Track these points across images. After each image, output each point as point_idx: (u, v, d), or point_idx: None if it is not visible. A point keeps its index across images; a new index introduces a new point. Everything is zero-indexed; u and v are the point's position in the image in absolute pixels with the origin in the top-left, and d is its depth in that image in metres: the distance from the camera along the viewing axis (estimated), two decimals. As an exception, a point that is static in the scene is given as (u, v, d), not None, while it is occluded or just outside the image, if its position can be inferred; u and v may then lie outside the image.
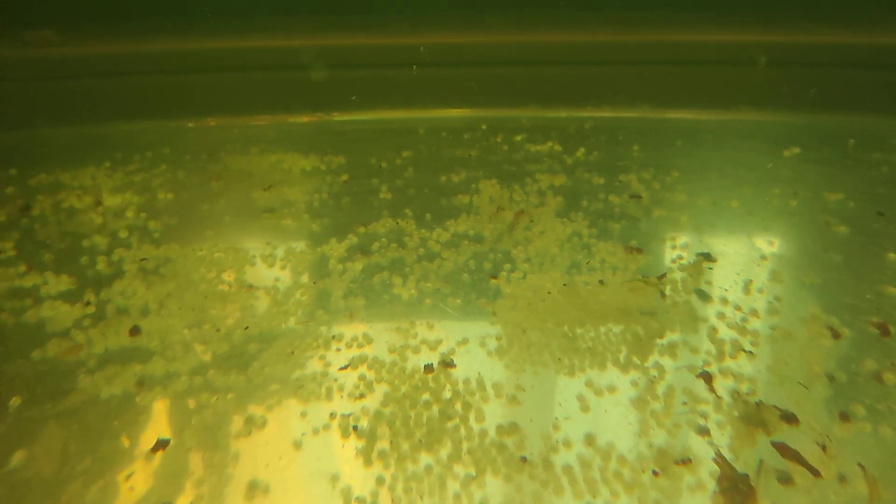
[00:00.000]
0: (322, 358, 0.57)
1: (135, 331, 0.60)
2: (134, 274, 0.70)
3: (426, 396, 0.52)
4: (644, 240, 0.72)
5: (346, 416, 0.51)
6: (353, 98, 1.18)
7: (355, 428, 0.49)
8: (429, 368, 0.54)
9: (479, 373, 0.54)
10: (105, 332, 0.61)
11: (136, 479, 0.48)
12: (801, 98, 1.08)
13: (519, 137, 1.04)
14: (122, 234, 0.78)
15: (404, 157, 1.00)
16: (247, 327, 0.61)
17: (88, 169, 0.95)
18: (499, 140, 1.04)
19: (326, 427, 0.51)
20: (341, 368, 0.55)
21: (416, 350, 0.57)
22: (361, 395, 0.53)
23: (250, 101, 1.20)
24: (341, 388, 0.54)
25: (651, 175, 0.86)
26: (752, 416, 0.49)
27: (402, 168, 0.95)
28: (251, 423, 0.51)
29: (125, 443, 0.50)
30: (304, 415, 0.52)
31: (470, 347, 0.57)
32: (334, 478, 0.47)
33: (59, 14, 1.16)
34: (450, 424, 0.49)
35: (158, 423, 0.53)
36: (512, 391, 0.52)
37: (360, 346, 0.58)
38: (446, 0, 1.21)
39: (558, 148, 0.98)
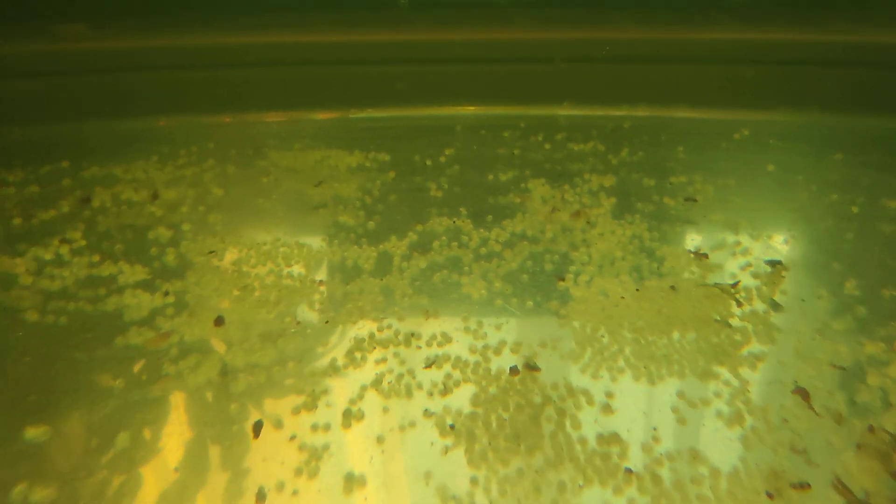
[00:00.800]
0: (397, 354, 0.58)
1: (219, 321, 0.61)
2: (205, 266, 0.72)
3: (517, 399, 0.53)
4: (707, 244, 0.73)
5: (432, 414, 0.52)
6: (399, 87, 1.18)
7: (452, 427, 0.50)
8: (514, 371, 0.55)
9: (565, 377, 0.55)
10: (189, 322, 0.62)
11: (232, 465, 0.49)
12: (842, 99, 1.09)
13: (559, 136, 1.05)
14: (185, 227, 0.80)
15: (447, 154, 1.01)
16: (327, 321, 0.62)
17: (138, 162, 0.96)
18: (540, 139, 1.05)
19: (413, 424, 0.52)
20: (426, 367, 0.56)
21: (497, 351, 0.58)
22: (445, 393, 0.54)
23: (289, 97, 1.20)
24: (420, 386, 0.55)
25: (702, 177, 0.87)
26: (869, 443, 0.48)
27: (446, 166, 0.96)
28: (335, 417, 0.53)
29: (217, 429, 0.52)
30: (386, 410, 0.53)
31: (547, 351, 0.58)
32: (427, 475, 0.48)
33: (90, 8, 1.16)
34: (546, 429, 0.51)
35: (245, 411, 0.54)
36: (602, 398, 0.53)
37: (440, 344, 0.59)
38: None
39: (601, 147, 0.99)
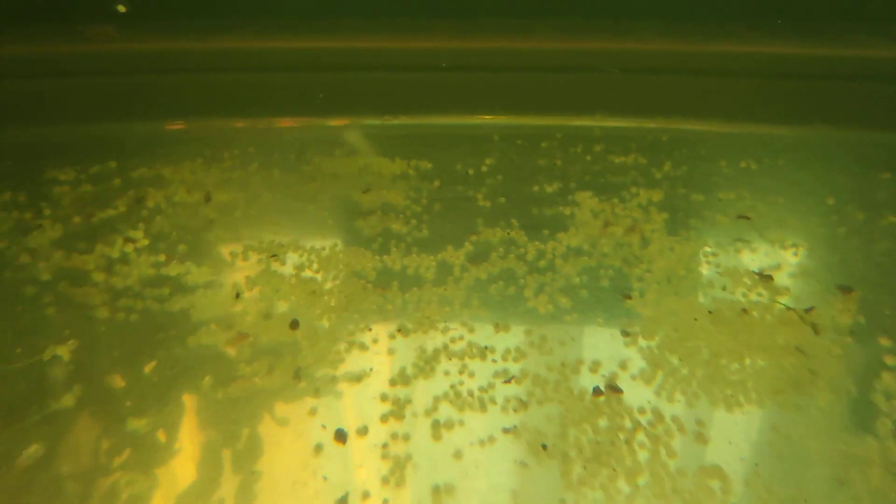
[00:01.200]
0: (468, 367, 0.59)
1: (294, 325, 0.63)
2: (268, 269, 0.73)
3: (604, 422, 0.53)
4: (769, 265, 0.73)
5: (512, 430, 0.53)
6: (434, 96, 1.18)
7: (544, 447, 0.51)
8: (598, 392, 0.55)
9: (650, 401, 0.55)
10: (264, 325, 0.64)
11: (313, 471, 0.49)
12: (887, 116, 1.09)
13: (598, 148, 1.06)
14: (242, 230, 0.81)
15: (488, 164, 1.01)
16: (399, 329, 0.63)
17: (184, 164, 0.97)
18: (579, 150, 1.05)
19: (493, 439, 0.53)
20: (506, 381, 0.56)
21: (576, 370, 0.58)
22: (524, 409, 0.54)
23: (327, 103, 1.20)
24: (494, 400, 0.56)
25: (749, 194, 0.88)
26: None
27: (488, 175, 0.97)
28: (414, 427, 0.53)
29: (294, 434, 0.52)
30: (462, 423, 0.54)
31: (623, 371, 0.58)
32: (515, 494, 0.49)
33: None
34: (642, 457, 0.51)
35: (318, 417, 0.54)
36: (693, 426, 0.53)
37: (515, 359, 0.59)
38: (518, 7, 1.22)
39: (643, 160, 1.00)
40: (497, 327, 0.63)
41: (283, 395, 0.57)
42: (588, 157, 1.03)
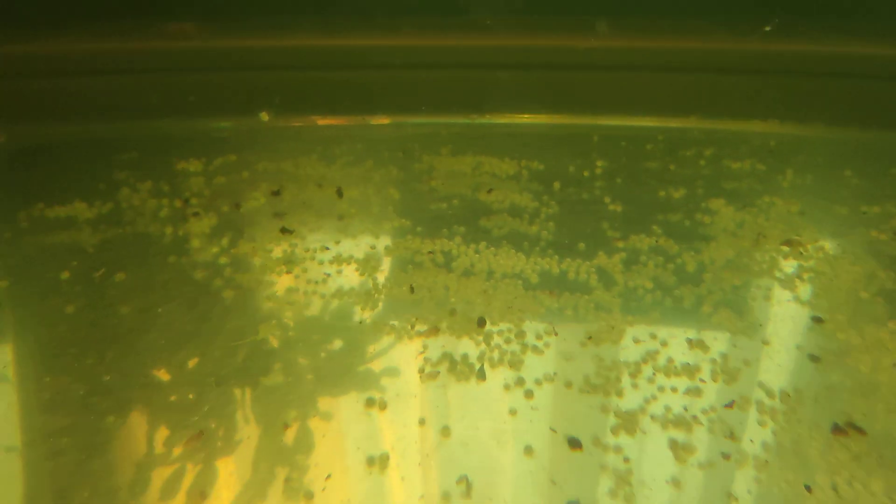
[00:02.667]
0: (669, 386, 0.57)
1: (481, 322, 0.64)
2: (432, 268, 0.73)
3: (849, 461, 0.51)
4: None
5: (745, 459, 0.50)
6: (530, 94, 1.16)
7: (808, 488, 0.48)
8: (838, 430, 0.52)
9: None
10: (451, 323, 0.64)
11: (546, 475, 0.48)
12: None
13: (708, 152, 1.03)
14: (386, 226, 0.81)
15: (601, 166, 0.99)
16: (556, 333, 0.62)
17: (301, 159, 0.96)
18: (689, 154, 1.03)
19: (712, 463, 0.50)
20: (726, 406, 0.54)
21: (800, 402, 0.55)
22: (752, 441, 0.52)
23: (422, 100, 1.18)
24: (713, 428, 0.53)
25: (895, 207, 0.85)
26: None
27: (604, 178, 0.95)
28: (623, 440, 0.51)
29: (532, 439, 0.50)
30: (677, 444, 0.51)
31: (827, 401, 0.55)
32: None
33: (199, 7, 1.14)
34: None
35: (545, 422, 0.53)
36: None
37: (727, 381, 0.57)
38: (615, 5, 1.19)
39: (760, 167, 0.98)
40: (691, 343, 0.61)
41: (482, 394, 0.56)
42: (702, 162, 1.01)
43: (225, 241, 0.77)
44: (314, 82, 1.18)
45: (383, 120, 1.13)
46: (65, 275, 0.71)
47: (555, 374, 0.58)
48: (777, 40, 1.19)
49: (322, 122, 1.10)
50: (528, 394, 0.56)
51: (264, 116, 1.06)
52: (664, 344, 0.61)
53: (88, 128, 1.08)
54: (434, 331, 0.62)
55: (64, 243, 0.76)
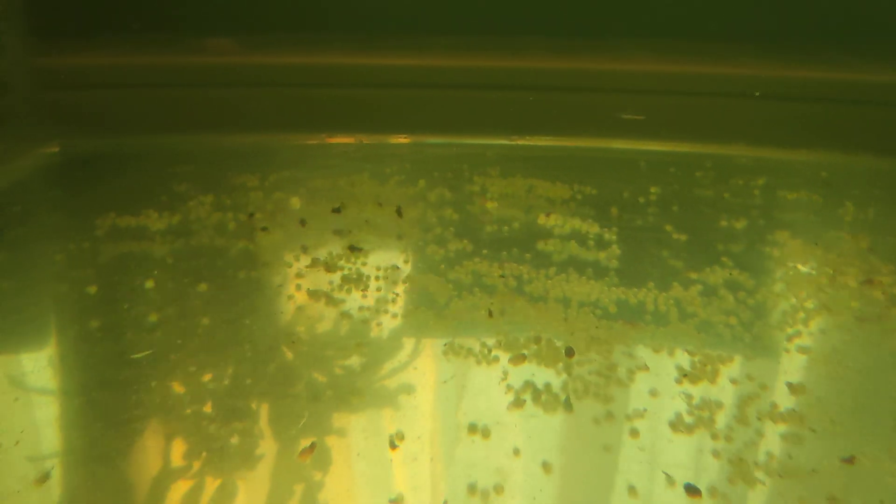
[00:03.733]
0: (759, 427, 0.54)
1: (569, 352, 0.61)
2: (502, 289, 0.72)
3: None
4: None
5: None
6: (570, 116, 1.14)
7: None
8: None
9: None
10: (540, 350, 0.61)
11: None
12: None
13: (761, 181, 1.02)
14: (468, 247, 0.80)
15: (654, 192, 0.97)
16: (684, 374, 0.59)
17: (354, 177, 0.96)
18: (741, 183, 1.01)
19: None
20: (845, 460, 0.51)
21: None
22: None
23: (467, 120, 1.16)
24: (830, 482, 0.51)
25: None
26: None
27: (660, 204, 0.93)
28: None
29: None
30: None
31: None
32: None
33: (240, 23, 1.13)
34: None
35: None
36: None
37: (840, 431, 0.54)
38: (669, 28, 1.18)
39: (817, 198, 0.96)
40: (792, 388, 0.58)
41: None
42: (756, 192, 0.99)
43: (294, 257, 0.77)
44: (360, 100, 1.16)
45: (427, 139, 1.11)
46: (149, 283, 0.71)
47: (645, 409, 0.55)
48: (823, 68, 1.18)
49: (367, 140, 1.08)
50: (630, 431, 0.53)
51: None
52: (763, 387, 0.58)
53: (139, 140, 1.08)
54: (520, 358, 0.60)
55: (142, 252, 0.77)
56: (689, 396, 0.57)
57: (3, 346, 0.64)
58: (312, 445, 0.51)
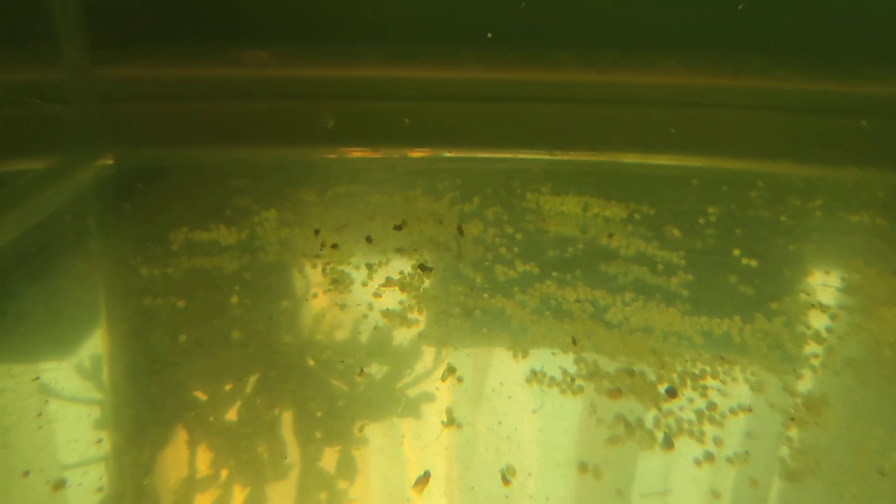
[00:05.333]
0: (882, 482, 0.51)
1: (671, 392, 0.58)
2: (579, 315, 0.70)
3: None
4: None
5: None
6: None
7: None
8: None
9: None
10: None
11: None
12: None
13: (818, 202, 0.99)
14: (520, 268, 0.77)
15: (711, 212, 0.94)
16: (751, 409, 0.56)
17: (408, 193, 0.94)
18: (798, 203, 0.98)
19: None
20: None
21: None
22: None
23: (514, 135, 1.14)
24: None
25: None
26: None
27: (721, 225, 0.90)
28: None
29: None
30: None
31: None
32: None
33: (274, 35, 1.10)
34: None
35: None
36: None
37: None
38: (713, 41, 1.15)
39: (883, 222, 0.94)
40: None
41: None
42: (817, 213, 0.96)
43: (367, 276, 0.75)
44: (403, 114, 1.13)
45: (472, 153, 1.09)
46: (234, 299, 0.69)
47: (747, 453, 0.52)
48: (871, 83, 1.15)
49: (413, 154, 1.05)
50: (742, 481, 0.50)
51: (329, 123, 1.02)
52: (884, 446, 0.55)
53: (190, 151, 1.07)
54: (616, 393, 0.57)
55: (218, 267, 0.76)
56: (791, 440, 0.54)
57: (91, 353, 0.62)
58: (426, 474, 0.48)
